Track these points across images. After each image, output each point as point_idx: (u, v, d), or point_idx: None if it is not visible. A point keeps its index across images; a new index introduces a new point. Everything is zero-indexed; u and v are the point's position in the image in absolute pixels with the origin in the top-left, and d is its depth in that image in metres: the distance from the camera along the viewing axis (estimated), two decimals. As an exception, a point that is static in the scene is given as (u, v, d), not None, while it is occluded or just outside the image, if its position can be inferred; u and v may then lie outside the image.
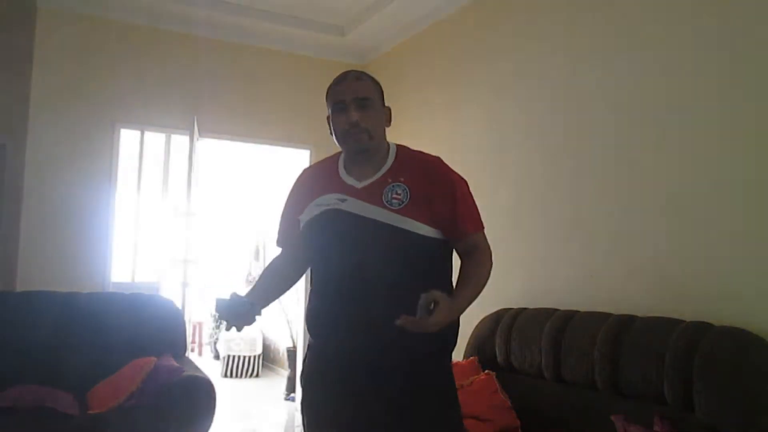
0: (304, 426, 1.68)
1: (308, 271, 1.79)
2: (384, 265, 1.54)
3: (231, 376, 6.51)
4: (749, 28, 2.26)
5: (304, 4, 4.25)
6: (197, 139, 4.28)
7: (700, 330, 2.11)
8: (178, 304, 3.90)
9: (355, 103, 1.60)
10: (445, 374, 1.62)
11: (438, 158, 1.69)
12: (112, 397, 2.94)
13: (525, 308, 2.89)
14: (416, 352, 1.52)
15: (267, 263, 1.80)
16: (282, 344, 6.32)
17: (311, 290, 1.67)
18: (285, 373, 5.86)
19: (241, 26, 4.44)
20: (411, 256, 1.55)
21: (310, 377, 1.67)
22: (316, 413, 1.63)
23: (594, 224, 2.83)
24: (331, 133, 1.68)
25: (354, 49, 4.85)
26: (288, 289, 1.77)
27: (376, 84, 1.68)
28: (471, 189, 1.67)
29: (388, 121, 1.69)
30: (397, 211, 1.54)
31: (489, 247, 1.66)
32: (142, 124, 4.37)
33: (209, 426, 2.94)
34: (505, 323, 2.86)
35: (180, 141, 4.76)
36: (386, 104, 1.70)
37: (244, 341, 6.63)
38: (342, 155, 1.71)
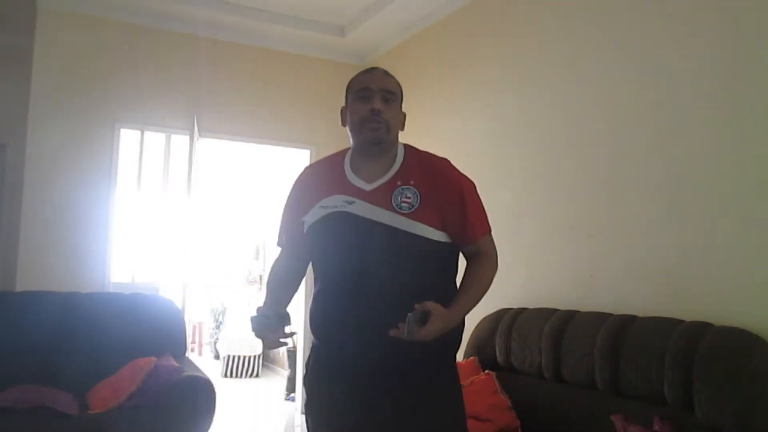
0: (309, 429, 1.66)
1: (308, 272, 1.79)
2: (393, 269, 1.52)
3: (231, 376, 6.52)
4: (748, 29, 2.26)
5: (304, 4, 4.25)
6: (197, 139, 4.28)
7: (700, 330, 2.11)
8: (178, 304, 3.90)
9: (381, 94, 1.58)
10: (451, 375, 1.61)
11: (446, 160, 1.67)
12: (112, 397, 2.94)
13: (525, 308, 2.89)
14: (422, 353, 1.51)
15: (268, 265, 1.79)
16: (282, 344, 6.31)
17: (316, 291, 1.65)
18: (285, 373, 5.86)
19: (241, 26, 4.44)
20: (420, 260, 1.54)
21: (315, 379, 1.65)
22: (321, 415, 1.61)
23: (594, 224, 2.83)
24: (343, 124, 1.65)
25: (354, 49, 4.85)
26: (296, 292, 1.77)
27: (401, 87, 1.67)
28: None
29: (402, 126, 1.68)
30: (407, 215, 1.52)
31: (495, 249, 1.65)
32: (142, 124, 4.37)
33: (209, 426, 2.94)
34: (505, 323, 2.86)
35: (180, 141, 4.76)
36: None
37: (244, 341, 6.63)
38: (348, 153, 1.68)
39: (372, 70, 1.65)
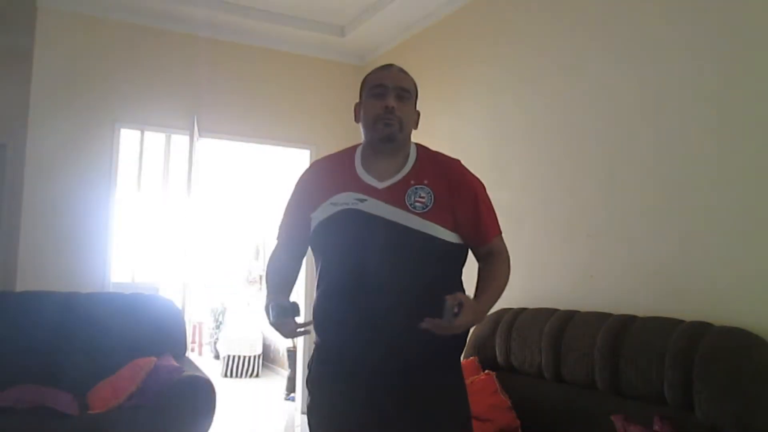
0: (310, 429, 1.63)
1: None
2: (404, 268, 1.51)
3: (231, 376, 6.51)
4: (747, 30, 2.26)
5: (304, 4, 4.26)
6: (197, 139, 4.28)
7: (700, 330, 2.11)
8: (178, 304, 3.90)
9: (396, 92, 1.57)
10: (456, 375, 1.60)
11: (458, 161, 1.67)
12: (112, 397, 2.94)
13: (525, 308, 2.89)
14: (429, 353, 1.50)
15: (267, 260, 1.76)
16: (282, 344, 6.32)
17: (322, 289, 1.61)
18: (285, 373, 5.86)
19: (241, 26, 4.44)
20: (432, 260, 1.53)
21: (318, 380, 1.62)
22: (325, 416, 1.59)
23: (594, 224, 2.83)
24: (356, 120, 1.64)
25: (354, 49, 4.85)
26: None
27: (416, 85, 1.66)
28: None
29: (416, 124, 1.66)
30: (421, 215, 1.51)
31: (507, 250, 1.65)
32: (142, 124, 4.37)
33: (209, 426, 2.94)
34: (505, 323, 2.86)
35: (180, 141, 4.76)
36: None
37: (244, 341, 6.63)
38: (358, 150, 1.66)
39: (388, 67, 1.63)
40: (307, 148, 4.81)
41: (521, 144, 3.32)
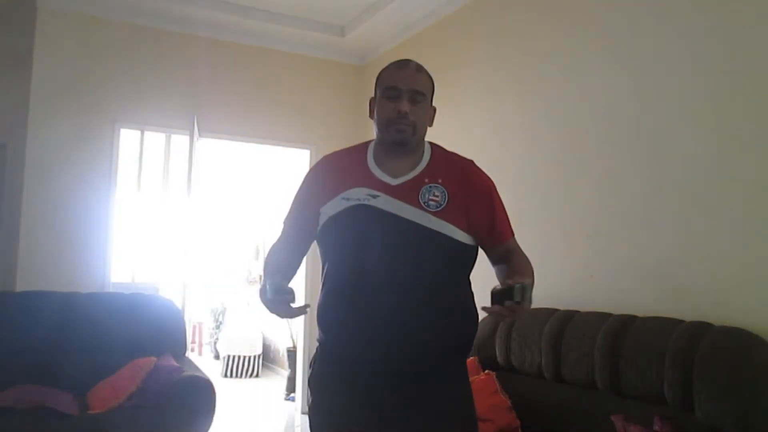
0: (313, 429, 1.60)
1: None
2: (413, 266, 1.49)
3: (231, 376, 6.51)
4: (745, 30, 2.26)
5: (304, 4, 4.25)
6: (197, 139, 4.28)
7: (700, 330, 2.11)
8: (178, 304, 3.90)
9: (410, 95, 1.54)
10: (461, 377, 1.59)
11: (472, 161, 1.65)
12: (112, 397, 2.94)
13: (525, 308, 2.89)
14: (432, 354, 1.49)
15: (270, 250, 1.68)
16: (282, 344, 6.32)
17: (328, 286, 1.59)
18: (285, 373, 5.86)
19: (241, 26, 4.44)
20: (443, 260, 1.51)
21: (320, 379, 1.60)
22: (326, 416, 1.57)
23: (594, 224, 2.83)
24: (370, 116, 1.61)
25: (354, 49, 4.85)
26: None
27: (432, 82, 1.63)
28: None
29: (431, 121, 1.64)
30: (434, 214, 1.50)
31: (522, 250, 1.63)
32: (142, 124, 4.38)
33: (209, 426, 2.94)
34: (505, 323, 2.86)
35: (180, 141, 4.76)
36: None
37: (244, 341, 6.63)
38: (371, 146, 1.63)
39: (403, 66, 1.59)
40: (307, 148, 4.81)
41: (521, 144, 3.32)
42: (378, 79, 1.62)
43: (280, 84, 4.73)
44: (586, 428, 2.31)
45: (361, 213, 1.52)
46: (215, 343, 7.48)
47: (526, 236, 3.28)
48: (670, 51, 2.55)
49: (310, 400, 1.62)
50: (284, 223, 1.70)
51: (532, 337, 2.69)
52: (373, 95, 1.63)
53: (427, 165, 1.58)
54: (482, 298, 1.57)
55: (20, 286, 3.70)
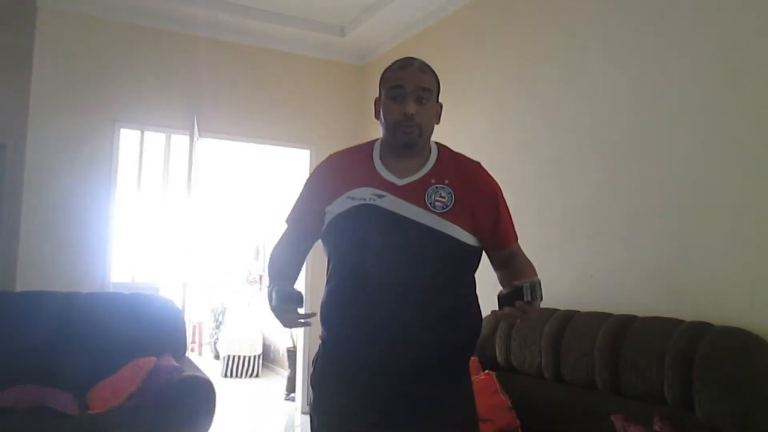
0: (314, 428, 1.60)
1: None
2: (417, 267, 1.49)
3: (231, 376, 6.51)
4: (744, 29, 2.26)
5: (304, 4, 4.25)
6: (197, 139, 4.28)
7: (700, 330, 2.11)
8: (178, 304, 3.90)
9: (415, 95, 1.52)
10: (463, 378, 1.59)
11: (479, 163, 1.65)
12: (112, 397, 2.94)
13: (525, 308, 2.89)
14: (438, 353, 1.49)
15: (273, 250, 1.67)
16: (282, 344, 6.32)
17: (332, 284, 1.58)
18: (285, 373, 5.86)
19: (241, 26, 4.44)
20: (447, 261, 1.51)
21: (322, 377, 1.59)
22: (327, 415, 1.56)
23: (594, 224, 2.83)
24: (376, 117, 1.60)
25: (354, 49, 4.85)
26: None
27: (437, 79, 1.61)
28: None
29: (438, 119, 1.63)
30: (440, 215, 1.49)
31: (525, 255, 1.64)
32: (142, 124, 4.38)
33: (209, 426, 2.95)
34: (505, 323, 2.86)
35: (180, 141, 4.76)
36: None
37: (244, 341, 6.63)
38: (377, 145, 1.62)
39: (407, 65, 1.57)
40: (307, 148, 4.81)
41: (521, 144, 3.32)
42: (382, 79, 1.60)
43: (280, 84, 4.73)
44: (586, 428, 2.31)
45: (366, 212, 1.51)
46: (215, 343, 7.48)
47: (526, 236, 3.28)
48: (669, 52, 2.55)
49: (312, 399, 1.62)
50: (287, 221, 1.69)
51: (532, 337, 2.69)
52: (377, 95, 1.62)
53: (434, 166, 1.57)
54: (486, 300, 1.58)
55: (20, 286, 3.70)
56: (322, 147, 4.66)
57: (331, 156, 1.69)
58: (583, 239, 2.87)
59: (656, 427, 2.04)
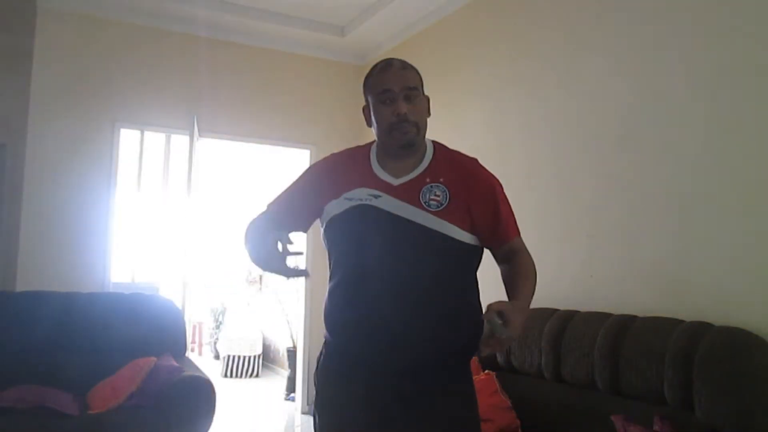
0: (316, 427, 1.61)
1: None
2: (414, 267, 1.49)
3: (231, 376, 6.51)
4: (745, 28, 2.26)
5: (304, 4, 4.25)
6: (197, 139, 4.28)
7: (700, 330, 2.11)
8: (178, 304, 3.90)
9: (404, 94, 1.52)
10: (464, 379, 1.58)
11: (475, 160, 1.64)
12: (112, 397, 2.94)
13: (525, 308, 2.89)
14: (437, 353, 1.49)
15: (250, 225, 1.68)
16: (282, 344, 6.32)
17: (332, 285, 1.59)
18: (285, 373, 5.86)
19: (241, 26, 4.44)
20: (444, 260, 1.50)
21: (324, 376, 1.61)
22: (328, 413, 1.57)
23: (594, 224, 2.83)
24: (368, 125, 1.60)
25: (354, 49, 4.85)
26: None
27: (418, 73, 1.60)
28: None
29: (428, 112, 1.62)
30: (435, 213, 1.49)
31: (527, 250, 1.62)
32: (142, 124, 4.38)
33: (209, 426, 2.95)
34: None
35: (180, 141, 4.76)
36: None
37: (244, 341, 6.63)
38: (373, 147, 1.63)
39: (388, 67, 1.56)
40: (307, 148, 4.81)
41: (521, 144, 3.32)
42: (366, 86, 1.60)
43: (280, 84, 4.73)
44: (586, 428, 2.31)
45: (363, 213, 1.52)
46: (215, 343, 7.48)
47: (525, 236, 3.28)
48: (669, 52, 2.55)
49: (315, 396, 1.63)
50: (269, 205, 1.68)
51: (532, 337, 2.69)
52: (365, 104, 1.61)
53: (429, 164, 1.57)
54: (488, 299, 1.57)
55: (20, 286, 3.69)
56: (322, 147, 4.66)
57: (330, 155, 1.70)
58: (582, 239, 2.87)
59: (656, 427, 2.04)
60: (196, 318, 7.23)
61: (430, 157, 1.59)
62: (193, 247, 4.48)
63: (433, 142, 1.64)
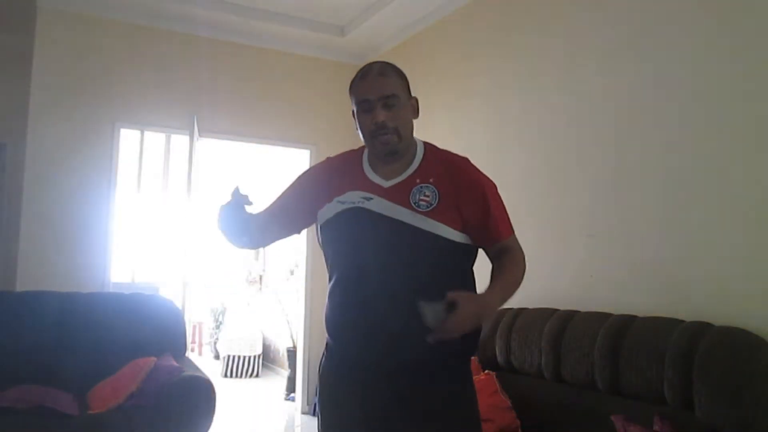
0: (319, 428, 1.63)
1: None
2: (407, 268, 1.49)
3: (231, 376, 6.51)
4: (746, 27, 2.26)
5: (304, 4, 4.26)
6: (197, 139, 4.28)
7: (700, 330, 2.11)
8: (178, 304, 3.90)
9: (381, 102, 1.53)
10: (463, 379, 1.58)
11: (466, 159, 1.64)
12: (112, 397, 2.94)
13: (525, 308, 2.89)
14: (430, 355, 1.48)
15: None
16: (282, 344, 6.32)
17: (330, 288, 1.60)
18: (285, 373, 5.86)
19: (241, 26, 4.44)
20: (435, 260, 1.51)
21: (326, 377, 1.62)
22: (328, 413, 1.59)
23: (594, 224, 2.83)
24: (356, 129, 1.61)
25: (354, 49, 4.85)
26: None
27: (401, 76, 1.60)
28: None
29: (416, 113, 1.62)
30: (425, 214, 1.49)
31: (521, 249, 1.62)
32: (142, 124, 4.38)
33: (209, 426, 2.95)
34: (505, 323, 2.87)
35: (180, 141, 4.76)
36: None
37: (244, 341, 6.63)
38: (366, 150, 1.65)
39: (366, 75, 1.58)
40: (307, 148, 4.81)
41: (521, 144, 3.32)
42: (350, 92, 1.62)
43: (280, 84, 4.73)
44: (586, 428, 2.31)
45: (355, 216, 1.53)
46: (215, 343, 7.48)
47: (525, 236, 3.28)
48: (669, 51, 2.55)
49: (318, 396, 1.66)
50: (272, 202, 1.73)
51: (532, 337, 2.69)
52: (353, 109, 1.63)
53: (419, 165, 1.58)
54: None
55: (20, 286, 3.69)
56: (322, 147, 4.66)
57: (327, 159, 1.73)
58: (582, 239, 2.87)
59: (656, 427, 2.04)
60: (196, 318, 7.23)
61: (421, 157, 1.60)
62: (193, 247, 4.48)
63: (424, 142, 1.65)
